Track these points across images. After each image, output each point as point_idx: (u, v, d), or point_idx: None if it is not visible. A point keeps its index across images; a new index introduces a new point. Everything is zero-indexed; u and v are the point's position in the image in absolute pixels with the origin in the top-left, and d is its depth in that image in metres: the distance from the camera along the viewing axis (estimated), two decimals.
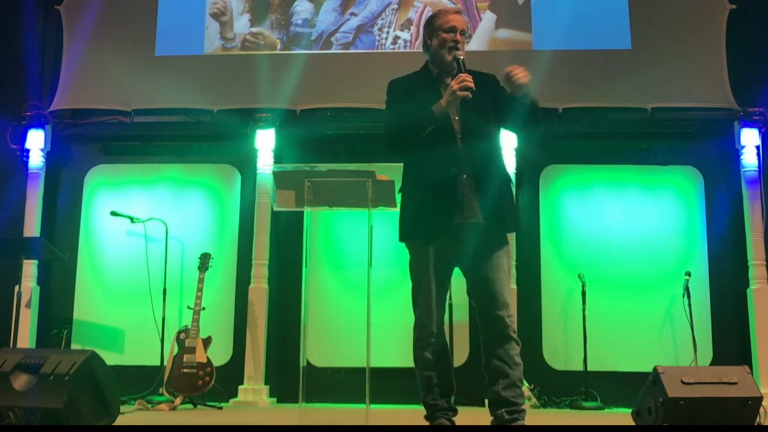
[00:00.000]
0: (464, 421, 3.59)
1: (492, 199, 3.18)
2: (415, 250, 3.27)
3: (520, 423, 3.13)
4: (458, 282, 5.65)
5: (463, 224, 3.17)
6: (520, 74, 3.16)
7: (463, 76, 3.14)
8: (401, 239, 3.33)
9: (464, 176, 3.18)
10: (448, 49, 3.27)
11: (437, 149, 3.19)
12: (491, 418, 3.20)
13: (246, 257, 5.86)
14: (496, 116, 3.31)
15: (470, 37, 3.30)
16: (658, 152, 5.94)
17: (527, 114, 3.26)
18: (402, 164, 3.37)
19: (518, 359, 3.15)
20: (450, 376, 3.30)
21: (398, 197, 3.41)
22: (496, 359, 3.15)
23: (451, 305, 5.45)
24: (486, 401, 3.30)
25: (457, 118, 3.23)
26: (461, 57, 3.23)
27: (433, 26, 3.35)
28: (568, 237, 5.90)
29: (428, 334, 3.22)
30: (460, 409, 3.38)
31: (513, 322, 3.17)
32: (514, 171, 5.76)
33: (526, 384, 5.44)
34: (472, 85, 3.12)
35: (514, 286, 5.59)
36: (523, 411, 3.17)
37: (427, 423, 3.37)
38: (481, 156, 3.22)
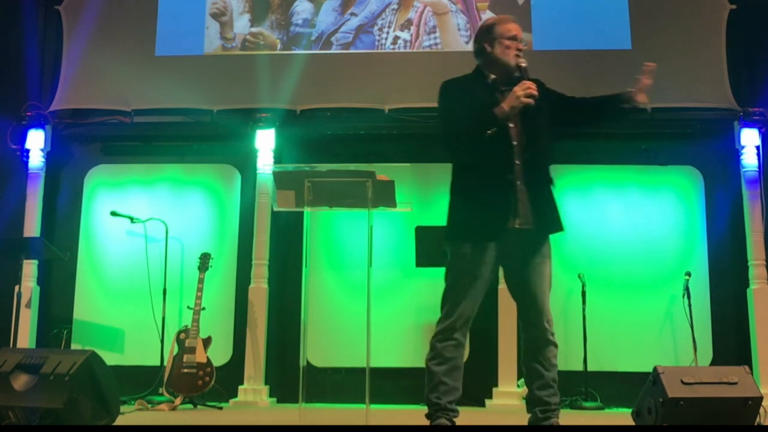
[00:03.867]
0: (464, 422, 3.59)
1: (542, 207, 3.29)
2: (463, 251, 3.29)
3: (553, 422, 3.22)
4: None
5: (515, 230, 3.24)
6: (644, 99, 3.42)
7: (528, 83, 3.21)
8: (450, 238, 3.36)
9: (519, 183, 3.25)
10: (514, 57, 3.34)
11: (494, 154, 3.25)
12: (528, 415, 3.32)
13: (246, 257, 5.86)
14: (553, 122, 3.41)
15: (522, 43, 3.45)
16: (658, 152, 5.94)
17: (616, 117, 3.52)
18: (434, 163, 3.43)
19: (554, 361, 3.28)
20: (459, 378, 3.34)
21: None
22: (535, 361, 3.27)
23: None
24: (485, 402, 3.33)
25: (512, 125, 3.29)
26: (524, 65, 3.31)
27: (493, 34, 3.40)
28: (568, 237, 5.88)
29: (450, 329, 3.26)
30: (460, 409, 3.38)
31: (552, 325, 3.28)
32: None
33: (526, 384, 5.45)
34: (536, 93, 3.19)
35: None
36: (557, 410, 3.26)
37: (427, 422, 3.40)
38: (534, 164, 3.30)
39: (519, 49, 3.36)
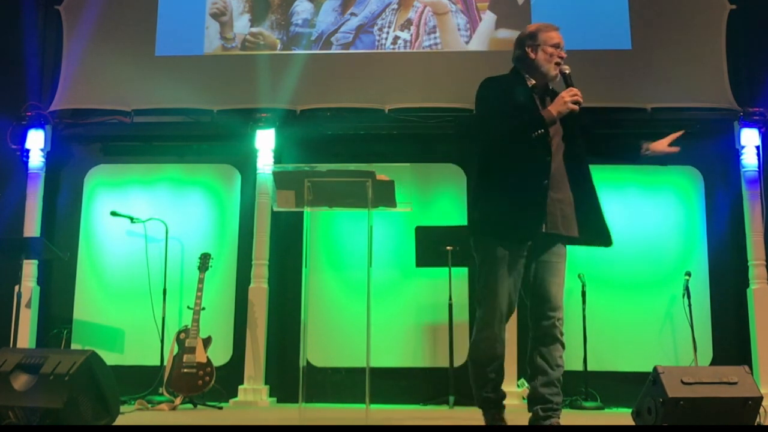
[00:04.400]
0: (464, 421, 3.61)
1: (568, 215, 3.36)
2: (496, 250, 3.31)
3: (554, 421, 3.27)
4: (459, 282, 5.67)
5: (544, 234, 3.30)
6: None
7: (575, 90, 3.30)
8: (482, 235, 3.36)
9: (553, 192, 3.31)
10: (555, 64, 3.41)
11: (533, 158, 3.29)
12: (529, 414, 3.35)
13: (246, 257, 5.86)
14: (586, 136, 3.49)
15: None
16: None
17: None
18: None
19: (561, 361, 3.36)
20: (502, 370, 3.39)
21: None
22: (540, 357, 3.34)
23: (451, 305, 5.46)
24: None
25: (553, 134, 3.34)
26: (567, 71, 3.40)
27: (537, 40, 3.46)
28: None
29: (495, 331, 3.32)
30: (459, 409, 3.39)
31: (561, 324, 3.37)
32: None
33: (526, 384, 5.44)
34: (581, 100, 3.27)
35: None
36: (558, 410, 3.31)
37: (429, 423, 3.40)
38: (565, 172, 3.38)
39: (561, 57, 3.44)
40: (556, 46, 3.44)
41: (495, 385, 3.36)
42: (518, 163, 3.29)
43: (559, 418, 3.30)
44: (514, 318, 5.54)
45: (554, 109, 3.26)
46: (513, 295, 3.34)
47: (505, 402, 3.39)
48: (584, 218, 3.39)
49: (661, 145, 3.60)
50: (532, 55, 3.43)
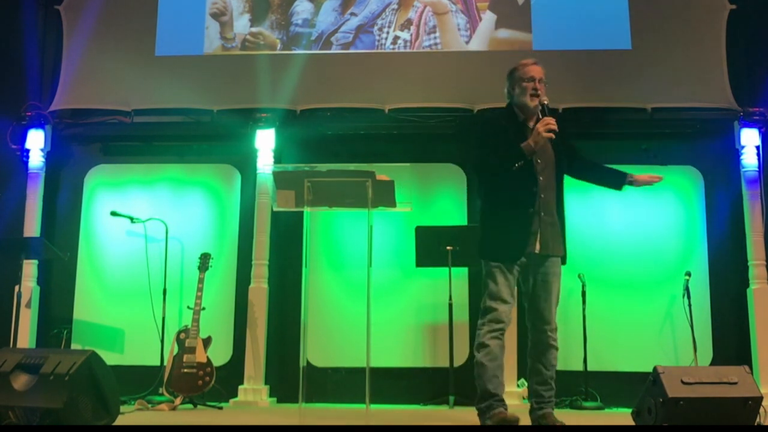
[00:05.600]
0: (464, 422, 3.61)
1: (559, 236, 3.80)
2: (496, 269, 3.75)
3: (546, 411, 3.72)
4: (459, 282, 5.67)
5: (535, 254, 3.73)
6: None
7: (548, 119, 3.62)
8: (484, 257, 3.81)
9: (542, 214, 3.72)
10: (530, 97, 3.74)
11: (520, 187, 3.71)
12: (528, 407, 3.84)
13: (246, 257, 5.86)
14: (570, 162, 3.89)
15: (543, 82, 3.80)
16: (658, 152, 5.94)
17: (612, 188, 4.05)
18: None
19: (554, 362, 3.78)
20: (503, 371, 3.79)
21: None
22: (538, 361, 3.78)
23: (451, 305, 5.46)
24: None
25: (539, 161, 3.72)
26: (545, 102, 3.71)
27: (514, 77, 3.83)
28: (568, 237, 5.86)
29: (501, 328, 3.72)
30: (459, 409, 3.41)
31: (555, 333, 3.78)
32: None
33: (526, 384, 5.44)
34: (555, 127, 3.60)
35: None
36: (551, 402, 3.76)
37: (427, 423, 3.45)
38: (555, 197, 3.78)
39: (535, 88, 3.74)
40: (531, 79, 3.75)
41: (498, 384, 3.73)
42: (508, 191, 3.72)
43: (551, 409, 3.76)
44: (514, 321, 5.58)
45: (532, 140, 3.63)
46: (511, 304, 3.77)
47: (505, 401, 3.72)
48: (555, 236, 3.80)
49: (644, 177, 3.91)
50: (513, 92, 3.83)
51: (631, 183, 3.91)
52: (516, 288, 3.80)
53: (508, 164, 3.64)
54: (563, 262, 3.89)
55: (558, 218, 3.80)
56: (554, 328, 3.78)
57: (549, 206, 3.74)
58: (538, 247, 3.71)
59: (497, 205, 3.77)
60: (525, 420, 3.86)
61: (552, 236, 3.75)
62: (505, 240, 3.72)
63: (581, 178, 4.03)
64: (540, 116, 3.68)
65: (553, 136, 3.62)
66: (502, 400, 3.67)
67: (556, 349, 3.79)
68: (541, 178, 3.72)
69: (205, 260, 5.50)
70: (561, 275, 3.85)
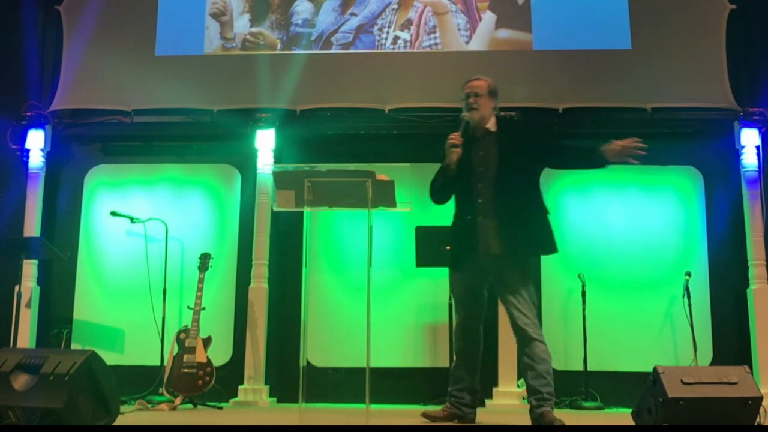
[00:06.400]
0: (464, 421, 3.60)
1: (504, 235, 3.86)
2: (451, 276, 4.17)
3: (545, 410, 3.75)
4: None
5: (486, 257, 3.89)
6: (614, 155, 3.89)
7: (451, 135, 3.91)
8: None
9: (481, 218, 3.89)
10: (466, 111, 4.02)
11: (459, 198, 4.01)
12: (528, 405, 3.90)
13: (246, 257, 5.86)
14: (537, 161, 4.04)
15: (482, 95, 4.06)
16: (658, 152, 5.93)
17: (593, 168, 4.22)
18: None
19: (543, 355, 3.81)
20: (465, 369, 4.03)
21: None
22: (525, 356, 3.84)
23: (451, 305, 5.45)
24: (485, 402, 3.98)
25: (481, 168, 3.94)
26: (465, 118, 3.98)
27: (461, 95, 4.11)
28: (568, 237, 5.90)
29: (460, 330, 4.05)
30: None
31: (532, 326, 3.82)
32: None
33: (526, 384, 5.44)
34: (455, 142, 3.89)
35: None
36: (549, 399, 3.79)
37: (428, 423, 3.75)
38: (503, 198, 3.88)
39: (467, 103, 4.02)
40: (466, 96, 4.04)
41: (456, 380, 4.03)
42: (455, 202, 4.07)
43: (550, 407, 3.76)
44: None
45: (446, 156, 3.93)
46: (473, 309, 4.03)
47: (499, 402, 3.92)
48: (508, 237, 3.87)
49: (616, 147, 3.87)
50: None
51: (608, 157, 3.87)
52: (482, 291, 4.04)
53: (434, 182, 4.06)
54: (534, 250, 4.06)
55: (506, 218, 3.87)
56: (530, 322, 3.81)
57: (488, 210, 3.88)
58: (482, 250, 3.89)
59: (452, 216, 4.08)
60: (525, 420, 3.87)
61: (493, 237, 3.87)
62: (454, 248, 4.05)
63: (563, 168, 4.20)
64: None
65: (454, 149, 3.88)
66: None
67: (540, 341, 3.81)
68: (480, 185, 3.91)
69: (205, 260, 5.50)
70: (524, 270, 3.90)
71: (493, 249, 3.87)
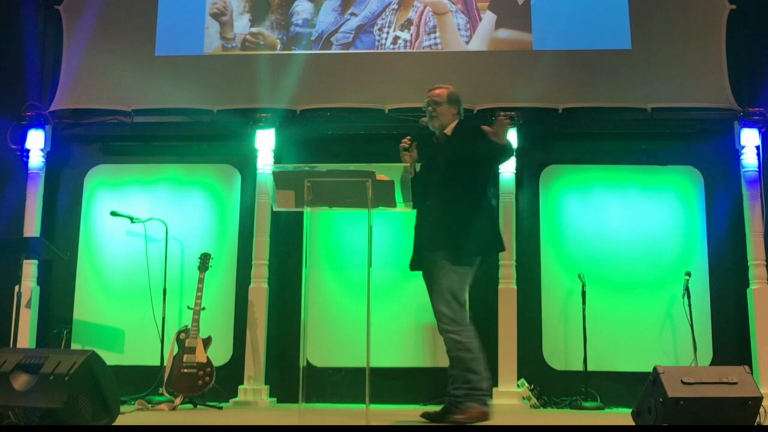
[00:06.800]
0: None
1: (434, 233, 4.05)
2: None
3: (452, 416, 3.91)
4: None
5: (425, 255, 4.11)
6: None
7: (404, 139, 4.26)
8: None
9: (430, 219, 4.09)
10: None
11: (416, 198, 4.14)
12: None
13: (246, 257, 5.86)
14: (474, 163, 4.10)
15: (441, 103, 4.29)
16: (658, 152, 5.94)
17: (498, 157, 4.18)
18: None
19: (451, 354, 3.98)
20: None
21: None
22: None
23: None
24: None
25: (430, 172, 4.17)
26: (423, 123, 4.32)
27: None
28: (568, 237, 5.90)
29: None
30: None
31: (442, 321, 3.98)
32: (514, 171, 5.76)
33: (526, 384, 5.45)
34: (404, 145, 4.23)
35: (513, 287, 5.59)
36: (460, 403, 3.91)
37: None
38: (440, 200, 4.08)
39: (427, 111, 4.27)
40: (427, 104, 4.30)
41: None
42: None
43: (456, 414, 3.88)
44: (513, 322, 5.59)
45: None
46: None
47: (499, 402, 3.94)
48: (440, 237, 4.03)
49: (493, 129, 3.97)
50: None
51: (496, 140, 3.94)
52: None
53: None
54: (444, 248, 4.02)
55: (443, 216, 4.02)
56: (442, 316, 3.96)
57: (434, 209, 4.08)
58: (425, 248, 4.11)
59: None
60: (525, 420, 3.86)
61: (427, 237, 4.09)
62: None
63: (484, 161, 4.14)
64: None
65: (404, 152, 4.20)
66: None
67: (450, 340, 3.94)
68: (432, 188, 4.12)
69: (205, 260, 5.50)
70: (447, 266, 3.98)
71: (425, 249, 4.08)
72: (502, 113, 4.12)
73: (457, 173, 4.08)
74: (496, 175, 5.77)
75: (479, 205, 4.08)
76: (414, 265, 4.23)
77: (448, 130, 4.24)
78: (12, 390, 3.34)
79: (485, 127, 3.99)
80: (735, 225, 5.71)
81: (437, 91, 4.30)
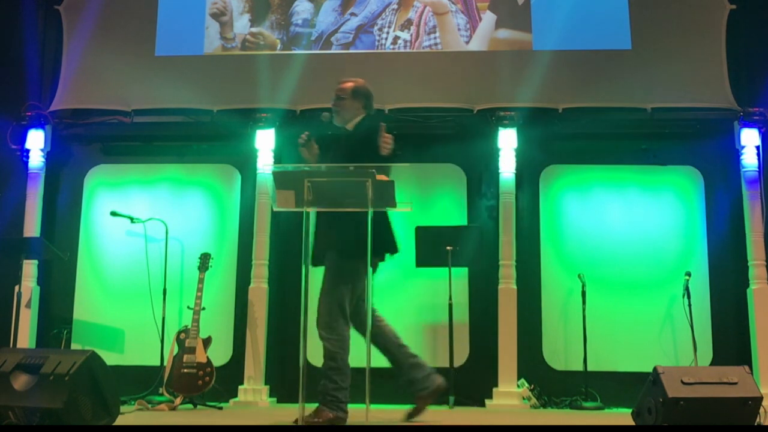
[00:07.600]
0: (464, 422, 3.60)
1: (325, 235, 4.08)
2: None
3: (312, 417, 3.87)
4: (459, 282, 5.67)
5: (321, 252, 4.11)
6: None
7: (302, 135, 4.21)
8: None
9: (323, 218, 4.07)
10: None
11: None
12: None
13: (246, 257, 5.86)
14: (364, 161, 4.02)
15: (344, 97, 4.31)
16: (658, 152, 5.94)
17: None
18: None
19: (326, 357, 3.96)
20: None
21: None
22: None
23: (451, 305, 5.46)
24: (485, 402, 3.49)
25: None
26: (325, 118, 4.33)
27: None
28: (568, 237, 5.90)
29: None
30: (459, 409, 3.40)
31: (319, 325, 3.99)
32: (514, 171, 5.76)
33: (526, 384, 5.44)
34: (300, 141, 4.21)
35: (513, 287, 5.59)
36: (325, 402, 3.91)
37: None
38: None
39: (333, 105, 4.27)
40: (333, 99, 4.29)
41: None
42: None
43: (316, 415, 3.88)
44: (513, 322, 5.58)
45: None
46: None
47: (499, 402, 3.64)
48: (325, 237, 4.07)
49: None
50: None
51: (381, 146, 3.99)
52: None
53: None
54: (340, 256, 4.03)
55: (329, 218, 4.03)
56: (320, 320, 3.98)
57: (328, 215, 4.05)
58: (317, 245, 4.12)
59: None
60: (525, 420, 3.86)
61: (322, 233, 4.09)
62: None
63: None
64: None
65: (302, 150, 4.19)
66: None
67: (324, 345, 3.95)
68: None
69: (205, 260, 5.50)
70: (332, 268, 4.03)
71: (316, 248, 4.08)
72: (392, 133, 4.07)
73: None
74: (497, 174, 5.77)
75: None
76: (315, 261, 4.16)
77: (350, 125, 4.25)
78: (12, 390, 3.34)
79: (382, 131, 4.00)
80: (735, 225, 5.71)
81: (343, 86, 4.27)
